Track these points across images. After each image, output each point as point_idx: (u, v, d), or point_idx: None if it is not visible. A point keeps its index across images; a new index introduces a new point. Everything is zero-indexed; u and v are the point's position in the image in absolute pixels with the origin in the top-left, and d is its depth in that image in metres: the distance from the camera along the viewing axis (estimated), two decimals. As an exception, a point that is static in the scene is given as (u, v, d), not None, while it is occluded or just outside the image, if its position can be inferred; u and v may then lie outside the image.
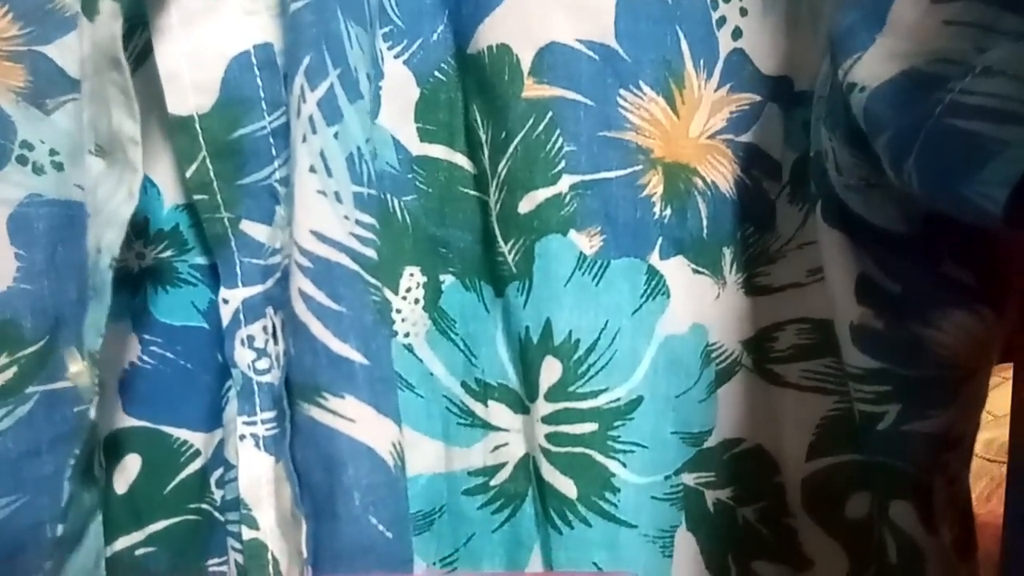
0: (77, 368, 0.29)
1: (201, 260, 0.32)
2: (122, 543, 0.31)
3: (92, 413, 0.29)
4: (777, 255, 0.29)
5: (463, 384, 0.31)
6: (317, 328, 0.28)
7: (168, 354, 0.32)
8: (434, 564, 0.30)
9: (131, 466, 0.31)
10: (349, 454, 0.27)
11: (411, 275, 0.30)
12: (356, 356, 0.27)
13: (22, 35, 0.30)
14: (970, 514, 0.30)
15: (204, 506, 0.32)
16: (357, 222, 0.28)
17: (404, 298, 0.30)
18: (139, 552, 0.31)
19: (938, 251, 0.26)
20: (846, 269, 0.27)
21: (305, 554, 0.28)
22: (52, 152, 0.31)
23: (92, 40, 0.28)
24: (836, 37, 0.24)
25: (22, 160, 0.30)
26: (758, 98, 0.29)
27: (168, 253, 0.32)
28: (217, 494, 0.32)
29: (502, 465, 0.31)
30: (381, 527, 0.27)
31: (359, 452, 0.27)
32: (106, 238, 0.28)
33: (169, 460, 0.31)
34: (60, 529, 0.29)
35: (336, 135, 0.27)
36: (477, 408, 0.31)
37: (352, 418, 0.27)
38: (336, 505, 0.27)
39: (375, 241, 0.28)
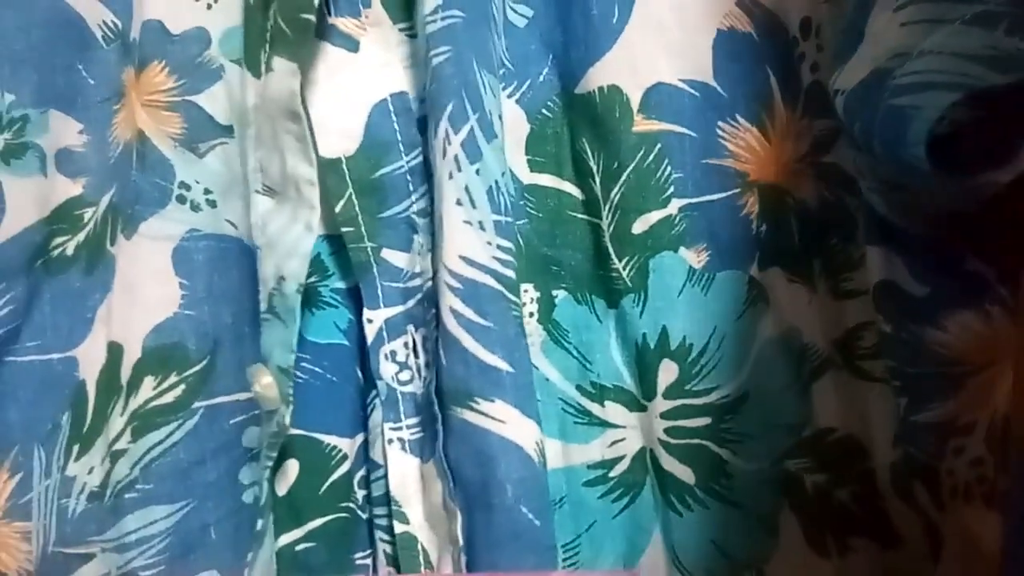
0: (267, 381, 0.32)
1: (340, 284, 0.35)
2: (284, 539, 0.34)
3: (286, 419, 0.32)
4: (859, 262, 0.32)
5: (578, 387, 0.34)
6: (468, 341, 0.31)
7: (317, 369, 0.35)
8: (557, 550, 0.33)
9: (290, 470, 0.35)
10: (500, 451, 0.31)
11: (526, 291, 0.34)
12: (503, 365, 0.31)
13: (177, 87, 0.34)
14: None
15: (351, 504, 0.35)
16: (498, 247, 0.31)
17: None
18: (299, 548, 0.35)
19: (961, 249, 0.29)
20: (872, 279, 0.30)
21: (461, 542, 0.31)
22: (206, 191, 0.34)
23: (263, 94, 0.32)
24: (833, 58, 0.28)
25: (181, 199, 0.34)
26: (834, 124, 0.32)
27: (313, 279, 0.35)
28: (359, 494, 0.35)
29: (620, 458, 0.34)
30: (531, 516, 0.31)
31: (509, 449, 0.31)
32: (289, 267, 0.32)
33: (322, 464, 0.35)
34: (260, 524, 0.32)
35: (478, 171, 0.31)
36: (594, 408, 0.34)
37: (502, 419, 0.31)
38: (491, 497, 0.31)
39: (514, 263, 0.32)
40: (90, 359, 0.32)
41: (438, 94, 0.31)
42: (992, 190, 0.25)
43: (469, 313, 0.31)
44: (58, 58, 0.31)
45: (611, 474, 0.34)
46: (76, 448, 0.32)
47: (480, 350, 0.31)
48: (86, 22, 0.32)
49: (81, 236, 0.32)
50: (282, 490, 0.35)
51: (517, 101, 0.34)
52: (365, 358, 0.35)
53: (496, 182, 0.31)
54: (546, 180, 0.34)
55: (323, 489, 0.35)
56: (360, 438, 0.35)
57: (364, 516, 0.35)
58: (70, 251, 0.32)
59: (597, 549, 0.34)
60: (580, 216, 0.34)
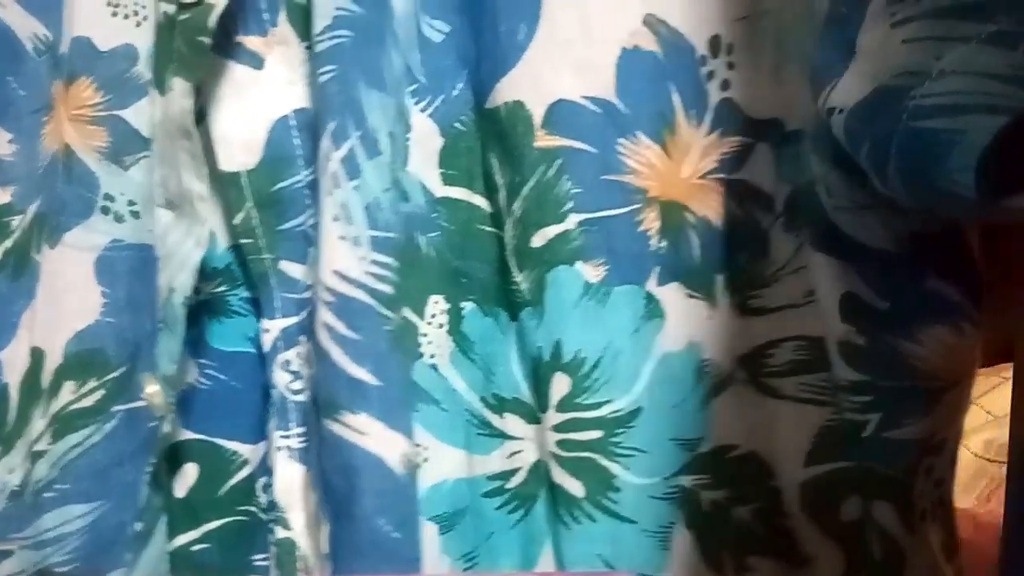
0: (153, 389, 0.33)
1: (249, 294, 0.36)
2: (181, 540, 0.36)
3: (166, 427, 0.33)
4: (771, 279, 0.32)
5: (482, 399, 0.34)
6: (337, 354, 0.32)
7: (221, 376, 0.36)
8: (458, 560, 0.34)
9: (189, 474, 0.36)
10: (363, 463, 0.31)
11: (436, 303, 0.34)
12: (369, 378, 0.31)
13: (103, 101, 0.35)
14: (953, 516, 0.33)
15: (251, 508, 0.36)
16: (373, 262, 0.32)
17: (430, 323, 0.34)
18: (195, 548, 0.36)
19: (924, 268, 0.28)
20: (832, 290, 0.29)
21: (326, 551, 0.32)
22: (130, 203, 0.36)
23: (164, 111, 0.33)
24: (814, 72, 0.27)
25: (105, 210, 0.35)
26: (748, 140, 0.31)
27: (222, 288, 0.36)
28: (263, 498, 0.36)
29: (517, 470, 0.34)
30: (388, 528, 0.31)
31: (371, 462, 0.31)
32: (179, 279, 0.33)
33: (222, 468, 0.36)
34: (139, 526, 0.34)
35: (356, 187, 0.32)
36: (494, 420, 0.34)
37: (365, 432, 0.31)
38: (352, 508, 0.31)
39: (390, 277, 0.32)
40: (13, 363, 0.34)
41: (323, 112, 0.32)
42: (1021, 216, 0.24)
43: (340, 327, 0.32)
44: None
45: (507, 486, 0.34)
46: None
47: (348, 363, 0.32)
48: (17, 35, 0.33)
49: (8, 243, 0.34)
50: (180, 492, 0.36)
51: (431, 115, 0.34)
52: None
53: (376, 198, 0.32)
54: (458, 193, 0.34)
55: (222, 492, 0.36)
56: (264, 445, 0.36)
57: (267, 518, 0.36)
58: None
59: (493, 560, 0.34)
60: (488, 229, 0.34)
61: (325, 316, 0.32)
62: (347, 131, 0.31)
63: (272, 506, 0.35)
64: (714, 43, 0.31)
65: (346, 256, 0.31)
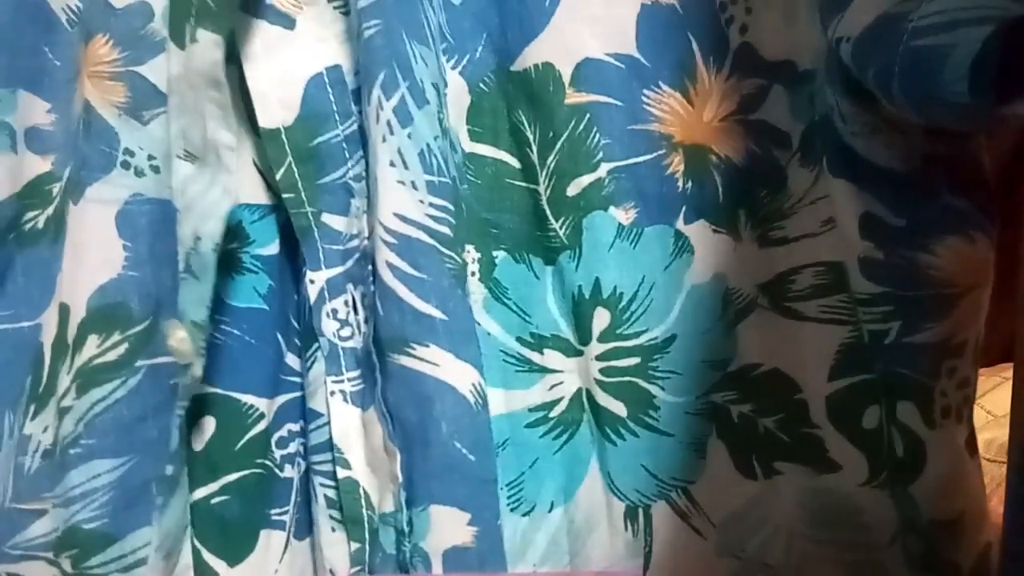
0: (180, 335, 0.32)
1: (261, 251, 0.36)
2: (200, 493, 0.35)
3: (197, 372, 0.33)
4: (790, 211, 0.34)
5: (518, 339, 0.36)
6: (403, 292, 0.32)
7: (235, 331, 0.36)
8: (502, 489, 0.34)
9: (207, 427, 0.35)
10: (436, 392, 0.32)
11: (468, 252, 0.36)
12: (436, 313, 0.32)
13: (121, 58, 0.35)
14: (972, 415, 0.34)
15: (267, 462, 0.36)
16: (431, 204, 0.33)
17: None
18: (215, 501, 0.35)
19: (937, 185, 0.31)
20: (852, 211, 0.32)
21: (400, 479, 0.33)
22: (150, 157, 0.35)
23: (184, 64, 0.33)
24: (822, 6, 0.30)
25: (125, 165, 0.35)
26: (764, 82, 0.34)
27: (233, 245, 0.36)
28: (277, 453, 0.36)
29: (559, 400, 0.36)
30: (464, 450, 0.32)
31: (444, 390, 0.32)
32: (206, 228, 0.33)
33: (239, 421, 0.36)
34: (170, 470, 0.33)
35: (409, 135, 0.33)
36: (534, 356, 0.36)
37: (436, 363, 0.32)
38: (428, 434, 0.32)
39: (447, 219, 0.33)
40: (49, 323, 0.33)
41: (370, 64, 0.33)
42: (1020, 121, 0.26)
43: (404, 266, 0.33)
44: (25, 40, 0.32)
45: (551, 415, 0.36)
46: (33, 407, 0.32)
47: (414, 299, 0.32)
48: (51, 6, 0.33)
49: (50, 210, 0.33)
50: (198, 446, 0.35)
51: (460, 73, 0.36)
52: (284, 322, 0.36)
53: (428, 145, 0.33)
54: (484, 149, 0.36)
55: (239, 445, 0.36)
56: (281, 399, 0.36)
57: (281, 474, 0.36)
58: (40, 224, 0.33)
59: (539, 483, 0.35)
60: (517, 183, 0.36)
61: (387, 256, 0.33)
62: (397, 81, 0.33)
63: (325, 447, 0.35)
64: None
65: (404, 199, 0.33)
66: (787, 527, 0.35)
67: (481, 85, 0.36)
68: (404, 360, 0.33)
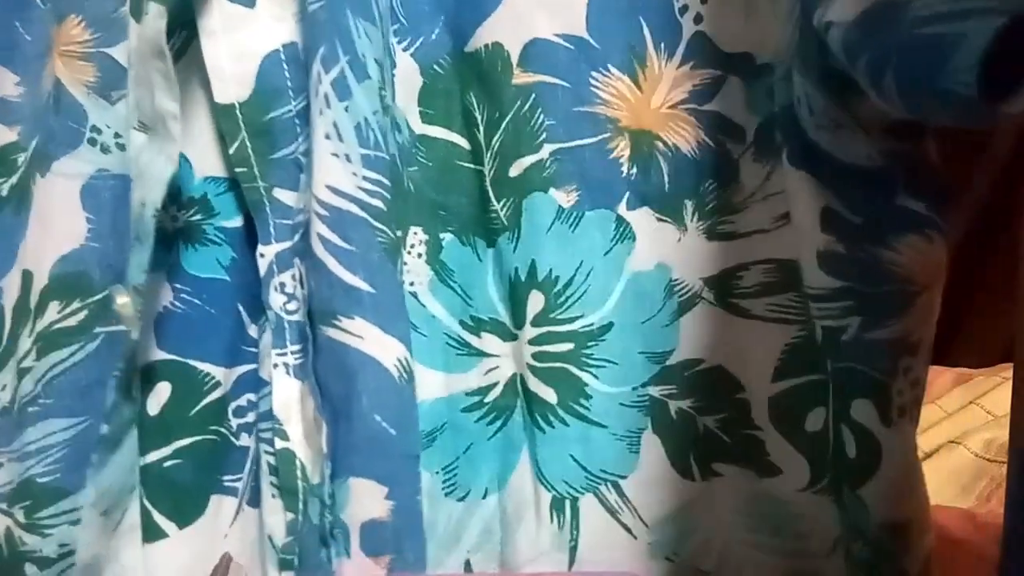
0: (124, 300, 0.34)
1: (225, 223, 0.37)
2: (153, 456, 0.36)
3: (134, 335, 0.34)
4: (741, 206, 0.33)
5: (460, 322, 0.36)
6: (332, 264, 0.33)
7: (195, 301, 0.37)
8: (437, 473, 0.35)
9: (162, 392, 0.37)
10: (359, 364, 0.32)
11: (415, 234, 0.36)
12: (363, 286, 0.33)
13: (93, 39, 0.36)
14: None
15: (222, 430, 0.37)
16: (364, 178, 0.33)
17: (409, 253, 0.36)
18: (167, 464, 0.36)
19: (894, 184, 0.30)
20: (811, 204, 0.31)
21: (325, 450, 0.33)
22: (116, 135, 0.37)
23: (139, 35, 0.34)
24: None
25: (92, 142, 0.36)
26: (719, 73, 0.33)
27: (197, 217, 0.37)
28: (234, 421, 0.37)
29: (494, 384, 0.35)
30: (385, 424, 0.32)
31: (367, 363, 0.32)
32: (150, 195, 0.34)
33: (194, 388, 0.37)
34: (104, 429, 0.34)
35: (347, 108, 0.33)
36: (472, 340, 0.36)
37: (360, 335, 0.33)
38: (351, 408, 0.32)
39: (381, 193, 0.33)
40: (11, 287, 0.35)
41: (313, 38, 0.33)
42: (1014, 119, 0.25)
43: (334, 238, 0.33)
44: None
45: (486, 400, 0.35)
46: None
47: (343, 272, 0.33)
48: None
49: (14, 179, 0.35)
50: (153, 410, 0.37)
51: (412, 55, 0.36)
52: (246, 294, 0.37)
53: (365, 119, 0.33)
54: (436, 132, 0.36)
55: (193, 412, 0.37)
56: (240, 369, 0.37)
57: (237, 442, 0.37)
58: (5, 192, 0.35)
59: (474, 469, 0.35)
60: (466, 165, 0.36)
61: (319, 228, 0.33)
62: (337, 55, 0.33)
63: (266, 416, 0.35)
64: None
65: (338, 171, 0.33)
66: (724, 531, 0.34)
67: (435, 67, 0.36)
68: (332, 332, 0.33)
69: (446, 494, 0.35)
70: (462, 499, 0.35)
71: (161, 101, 0.34)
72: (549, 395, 0.34)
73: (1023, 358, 0.27)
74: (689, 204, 0.34)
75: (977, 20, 0.23)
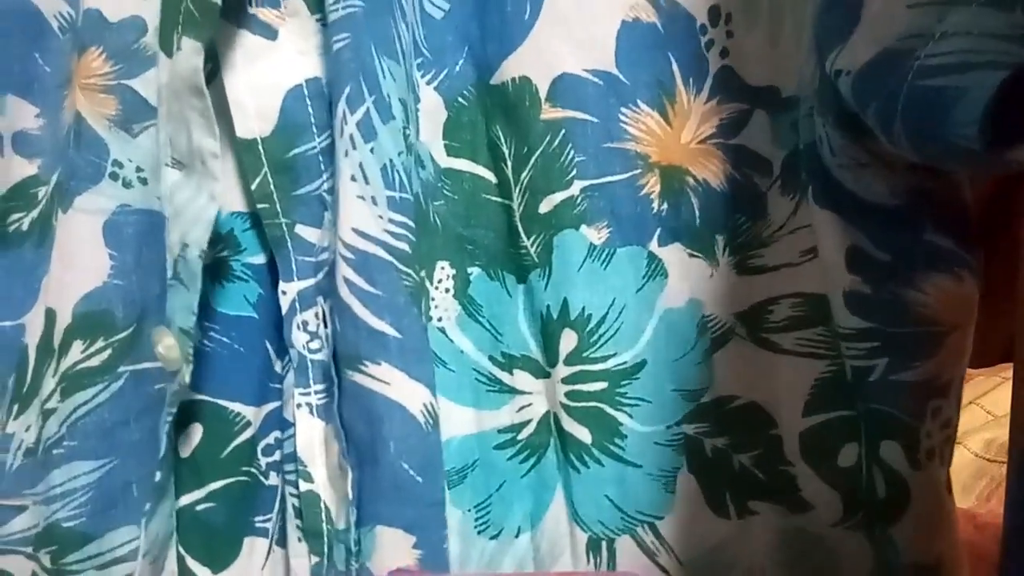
0: (169, 342, 0.33)
1: (252, 259, 0.37)
2: (186, 499, 0.36)
3: (186, 378, 0.34)
4: (770, 240, 0.33)
5: (490, 358, 0.36)
6: (358, 308, 0.33)
7: (224, 339, 0.37)
8: (470, 511, 0.35)
9: (194, 433, 0.36)
10: (385, 411, 0.32)
11: (442, 268, 0.35)
12: (390, 330, 0.32)
13: (114, 71, 0.36)
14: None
15: (253, 469, 0.37)
16: (390, 220, 0.33)
17: (436, 288, 0.35)
18: (199, 508, 0.36)
19: (921, 221, 0.30)
20: (837, 244, 0.31)
21: (351, 496, 0.33)
22: (138, 169, 0.36)
23: (171, 71, 0.34)
24: (820, 36, 0.29)
25: (114, 176, 0.36)
26: (746, 106, 0.33)
27: (225, 253, 0.37)
28: (263, 460, 0.37)
29: (527, 422, 0.35)
30: (411, 471, 0.32)
31: (393, 409, 0.32)
32: (193, 235, 0.33)
33: (226, 428, 0.36)
34: (159, 476, 0.34)
35: (372, 150, 0.33)
36: (504, 376, 0.36)
37: (388, 381, 0.32)
38: (377, 454, 0.32)
39: (407, 236, 0.33)
40: (34, 325, 0.34)
41: (337, 77, 0.33)
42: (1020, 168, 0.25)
43: (360, 282, 0.33)
44: (16, 47, 0.33)
45: (519, 437, 0.35)
46: (16, 407, 0.34)
47: (369, 316, 0.32)
48: (43, 13, 0.34)
49: (35, 213, 0.34)
50: (185, 452, 0.36)
51: (436, 88, 0.35)
52: (273, 331, 0.36)
53: (391, 160, 0.33)
54: (462, 164, 0.36)
55: (225, 453, 0.36)
56: (267, 407, 0.37)
57: (267, 482, 0.37)
58: (25, 227, 0.34)
59: (507, 507, 0.35)
60: (493, 198, 0.36)
61: (345, 271, 0.33)
62: (362, 95, 0.33)
63: (290, 458, 0.35)
64: (713, 12, 0.33)
65: (364, 214, 0.33)
66: (759, 569, 0.34)
67: (460, 99, 0.35)
68: (357, 377, 0.33)
69: (478, 532, 0.35)
70: (494, 537, 0.35)
71: (199, 139, 0.33)
72: (583, 434, 0.34)
73: (1023, 358, 0.27)
74: (720, 239, 0.34)
75: (978, 73, 0.23)
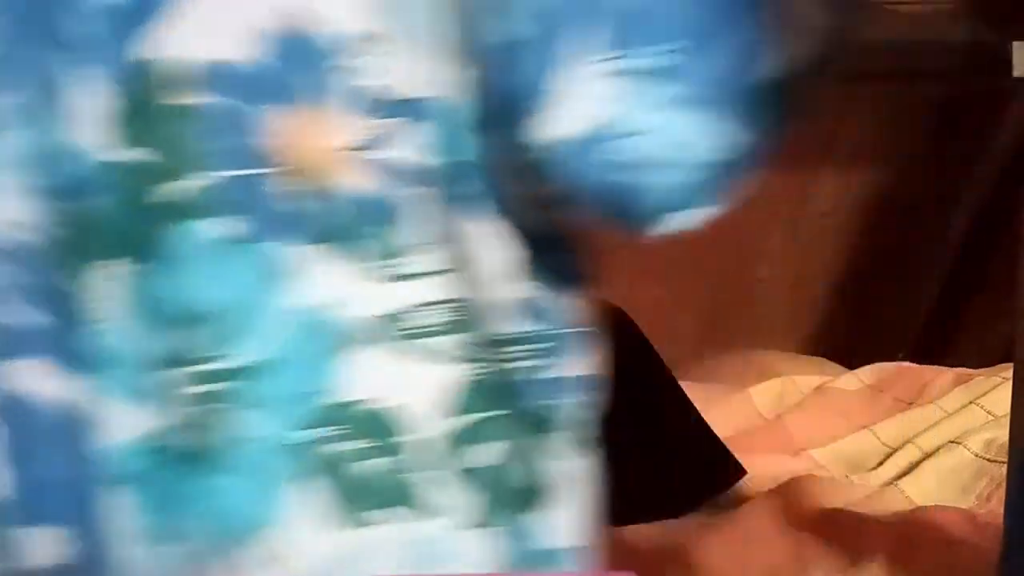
0: None
1: None
2: None
3: None
4: (415, 248, 0.33)
5: (137, 357, 0.33)
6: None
7: None
8: (136, 516, 0.33)
9: None
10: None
11: (100, 267, 0.33)
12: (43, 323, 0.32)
13: None
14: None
15: None
16: (40, 213, 0.32)
17: (92, 286, 0.33)
18: None
19: (563, 243, 0.35)
20: (489, 253, 0.33)
21: None
22: None
23: None
24: (516, 88, 0.31)
25: None
26: (396, 119, 0.33)
27: None
28: None
29: (160, 426, 0.33)
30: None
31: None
32: None
33: None
34: None
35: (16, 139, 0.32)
36: (143, 377, 0.33)
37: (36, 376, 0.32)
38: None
39: (54, 230, 0.32)
40: None
41: None
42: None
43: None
44: None
45: (162, 441, 0.33)
46: None
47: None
48: None
49: None
50: None
51: (91, 80, 0.33)
52: None
53: (41, 153, 0.32)
54: (117, 156, 0.33)
55: None
56: None
57: None
58: None
59: (166, 513, 0.33)
60: (140, 186, 0.33)
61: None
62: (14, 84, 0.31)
63: None
64: (364, 26, 0.32)
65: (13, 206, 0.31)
66: None
67: (123, 87, 0.33)
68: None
69: (149, 538, 0.33)
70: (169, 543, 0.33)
71: None
72: (204, 439, 0.33)
73: (1023, 358, 0.27)
74: (358, 245, 0.33)
75: (658, 172, 0.30)
